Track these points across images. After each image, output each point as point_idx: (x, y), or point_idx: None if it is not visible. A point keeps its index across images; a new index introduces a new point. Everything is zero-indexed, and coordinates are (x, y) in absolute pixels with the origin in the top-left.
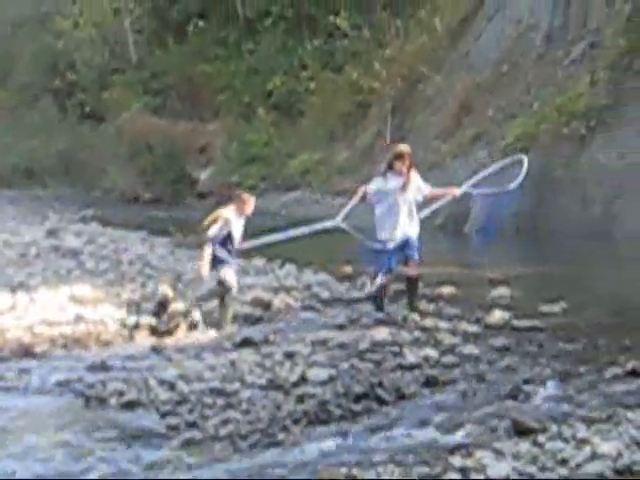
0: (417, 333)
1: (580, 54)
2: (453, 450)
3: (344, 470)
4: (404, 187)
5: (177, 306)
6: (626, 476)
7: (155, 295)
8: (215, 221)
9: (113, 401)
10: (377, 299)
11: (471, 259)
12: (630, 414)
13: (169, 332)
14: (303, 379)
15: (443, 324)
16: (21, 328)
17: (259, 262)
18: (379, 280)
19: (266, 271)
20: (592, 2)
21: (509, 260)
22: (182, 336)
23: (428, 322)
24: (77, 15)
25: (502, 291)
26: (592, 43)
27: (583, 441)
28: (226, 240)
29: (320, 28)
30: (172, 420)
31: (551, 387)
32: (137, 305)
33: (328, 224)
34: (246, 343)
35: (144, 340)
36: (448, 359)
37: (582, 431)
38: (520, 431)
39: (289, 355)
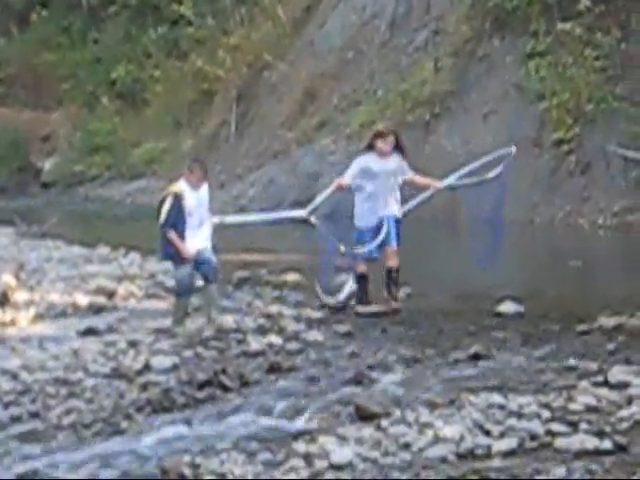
0: (261, 320)
1: (424, 41)
2: (297, 436)
3: (188, 458)
4: (389, 168)
5: (22, 295)
6: (468, 460)
7: None
8: (164, 200)
9: None
10: (361, 293)
11: (319, 246)
12: (473, 398)
13: (14, 322)
14: (147, 367)
15: (287, 311)
16: None
17: (103, 250)
18: (348, 287)
19: (110, 260)
20: None
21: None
22: (25, 326)
23: (272, 309)
24: None
25: (346, 277)
26: (436, 30)
27: (426, 425)
28: (178, 218)
29: (164, 16)
30: (15, 410)
31: (395, 372)
32: None
33: (295, 213)
34: (90, 332)
35: None
36: (292, 346)
37: (425, 415)
38: (364, 416)
39: (133, 343)
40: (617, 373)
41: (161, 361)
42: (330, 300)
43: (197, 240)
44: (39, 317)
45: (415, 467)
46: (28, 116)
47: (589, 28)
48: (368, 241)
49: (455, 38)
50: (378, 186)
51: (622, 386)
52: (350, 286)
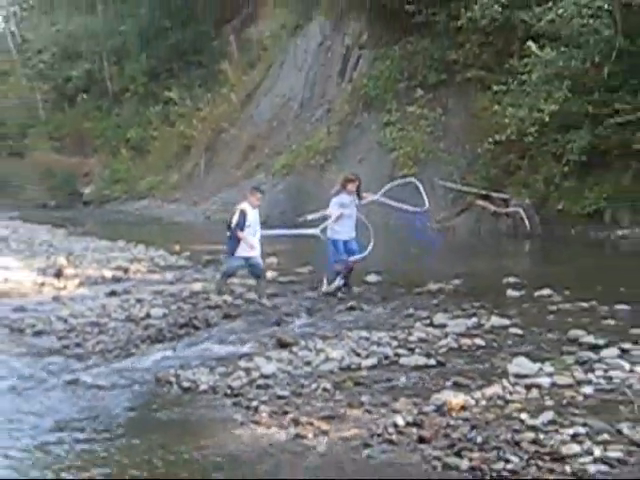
0: None
1: (321, 115)
2: (240, 357)
3: (172, 371)
4: (355, 202)
5: (70, 271)
6: (347, 371)
7: (55, 264)
8: (234, 213)
9: (28, 331)
10: (344, 283)
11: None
12: (350, 333)
13: (65, 287)
14: (148, 315)
15: (235, 280)
16: None
17: (121, 243)
18: (337, 282)
19: (125, 249)
20: (328, 83)
21: (275, 240)
22: (72, 290)
23: None
24: (6, 90)
25: (272, 260)
26: (328, 108)
27: (320, 350)
28: (244, 225)
29: (160, 99)
30: (65, 342)
31: (302, 317)
32: (44, 270)
33: (310, 232)
34: (112, 293)
35: (48, 292)
36: (238, 302)
37: (320, 344)
38: (282, 345)
39: (139, 300)
40: (439, 318)
41: (156, 311)
42: (325, 289)
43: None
44: (81, 284)
45: (314, 376)
46: (75, 161)
47: (423, 107)
48: (341, 249)
49: (340, 113)
50: (349, 212)
51: (441, 326)
52: (338, 282)
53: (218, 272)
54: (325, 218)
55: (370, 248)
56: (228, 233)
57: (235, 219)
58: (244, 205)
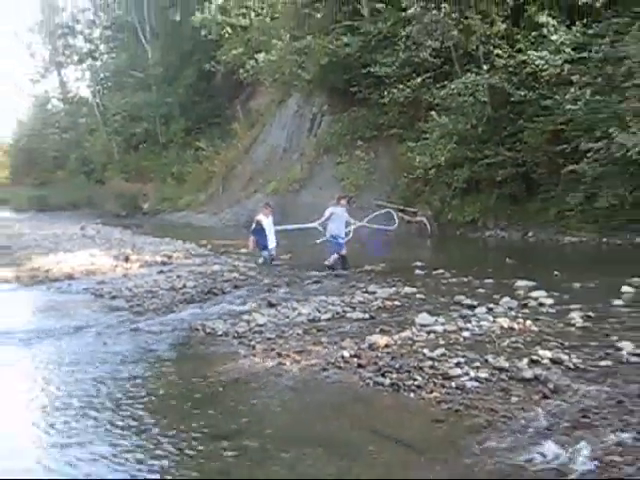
0: (230, 267)
1: (296, 158)
2: (244, 313)
3: (199, 322)
4: (345, 211)
5: (134, 257)
6: (312, 322)
7: (124, 253)
8: (253, 222)
9: (106, 296)
10: (335, 266)
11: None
12: (314, 298)
13: (130, 268)
14: (184, 286)
15: (241, 264)
16: (68, 267)
17: (167, 240)
18: (334, 257)
19: (170, 243)
20: (301, 137)
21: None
22: (135, 270)
23: (235, 263)
24: (93, 140)
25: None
26: (301, 153)
27: (295, 308)
28: (261, 232)
29: (193, 146)
30: (131, 303)
31: (283, 287)
32: (117, 257)
33: (311, 225)
34: (161, 272)
35: (119, 271)
36: (242, 277)
37: (295, 304)
38: (271, 305)
39: (179, 276)
40: (372, 288)
41: (190, 284)
42: (326, 262)
43: (271, 241)
44: (141, 266)
45: (291, 325)
46: (138, 186)
47: (362, 152)
48: (337, 241)
49: (309, 157)
50: (339, 217)
51: (373, 293)
52: (334, 257)
53: (260, 260)
54: (322, 224)
55: (350, 236)
56: (251, 237)
57: (252, 227)
58: (260, 217)
